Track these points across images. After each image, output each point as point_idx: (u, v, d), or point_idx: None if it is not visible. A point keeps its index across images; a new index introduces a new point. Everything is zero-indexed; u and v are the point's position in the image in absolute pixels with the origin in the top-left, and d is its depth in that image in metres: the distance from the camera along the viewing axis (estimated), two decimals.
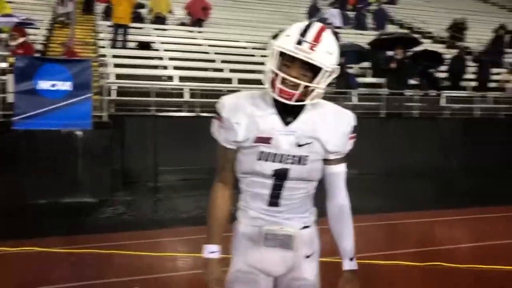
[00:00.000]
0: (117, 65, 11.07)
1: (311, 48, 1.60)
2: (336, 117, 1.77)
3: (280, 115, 1.72)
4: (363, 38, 15.25)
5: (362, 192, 8.72)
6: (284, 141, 1.70)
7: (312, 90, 1.64)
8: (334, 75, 1.66)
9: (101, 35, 12.86)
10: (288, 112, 1.71)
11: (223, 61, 12.15)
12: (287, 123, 1.71)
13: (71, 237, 5.65)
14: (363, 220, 6.91)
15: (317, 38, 1.61)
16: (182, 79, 11.06)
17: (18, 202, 7.10)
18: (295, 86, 1.62)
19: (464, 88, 13.07)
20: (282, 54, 1.63)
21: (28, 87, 7.36)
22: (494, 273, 4.95)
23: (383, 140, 10.31)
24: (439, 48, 16.47)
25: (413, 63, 11.82)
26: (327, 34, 1.65)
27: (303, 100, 1.66)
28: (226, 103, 1.75)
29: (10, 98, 7.57)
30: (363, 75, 13.13)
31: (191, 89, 10.15)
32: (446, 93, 11.66)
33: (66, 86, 7.50)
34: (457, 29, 17.52)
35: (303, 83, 1.61)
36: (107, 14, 13.62)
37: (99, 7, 14.35)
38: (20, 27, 9.46)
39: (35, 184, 7.31)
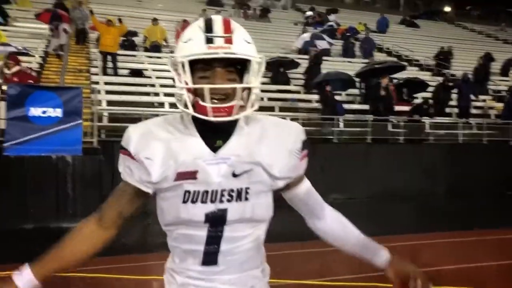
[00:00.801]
0: (109, 92, 11.32)
1: (227, 42, 1.28)
2: (279, 132, 1.40)
3: (204, 139, 1.34)
4: (352, 66, 15.67)
5: (347, 217, 8.87)
6: (214, 172, 1.31)
7: (248, 95, 1.31)
8: (263, 68, 1.33)
9: (94, 63, 13.16)
10: (215, 134, 1.34)
11: None
12: (215, 148, 1.33)
13: None
14: None
15: (227, 29, 1.30)
16: (172, 105, 11.30)
17: (7, 226, 7.20)
18: (228, 97, 1.28)
19: (449, 115, 13.41)
20: (191, 65, 1.28)
21: (20, 114, 7.55)
22: None
23: (369, 165, 10.52)
24: (425, 75, 16.93)
25: (398, 91, 12.18)
26: (235, 23, 1.34)
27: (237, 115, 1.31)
28: (132, 134, 1.35)
29: (2, 124, 7.74)
30: (352, 102, 13.45)
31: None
32: (430, 120, 11.94)
33: (57, 113, 7.70)
34: (444, 57, 18.02)
35: (240, 86, 1.29)
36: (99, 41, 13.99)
37: (93, 35, 14.71)
38: (15, 56, 9.70)
39: (25, 209, 7.43)
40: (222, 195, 1.33)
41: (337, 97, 12.33)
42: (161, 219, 1.42)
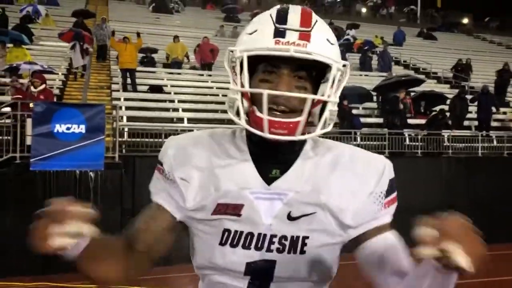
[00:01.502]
0: (128, 108, 11.58)
1: (303, 38, 0.98)
2: (358, 166, 1.07)
3: (257, 165, 1.06)
4: (369, 80, 15.71)
5: None
6: (265, 210, 1.03)
7: (321, 112, 1.01)
8: (346, 79, 1.04)
9: (115, 79, 13.49)
10: (271, 159, 1.06)
11: None
12: (269, 179, 1.05)
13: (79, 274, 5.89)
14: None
15: (306, 22, 1.00)
16: (191, 120, 11.50)
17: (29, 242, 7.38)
18: (294, 111, 0.99)
19: (468, 128, 13.32)
20: (253, 64, 1.01)
21: (45, 130, 7.80)
22: None
23: None
24: (444, 88, 16.87)
25: (414, 104, 12.20)
26: (318, 18, 1.04)
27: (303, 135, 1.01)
28: (169, 148, 1.13)
29: (28, 140, 7.99)
30: (369, 116, 13.48)
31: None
32: (448, 133, 11.88)
33: (80, 129, 7.93)
34: (461, 69, 17.94)
35: (312, 96, 0.99)
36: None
37: (114, 53, 15.08)
38: (41, 74, 10.04)
39: None
40: (271, 242, 1.03)
41: (354, 111, 12.37)
42: (193, 260, 1.13)
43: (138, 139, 9.94)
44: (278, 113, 0.99)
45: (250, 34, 1.03)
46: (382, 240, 1.09)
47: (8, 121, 8.22)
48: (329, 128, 1.02)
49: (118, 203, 8.24)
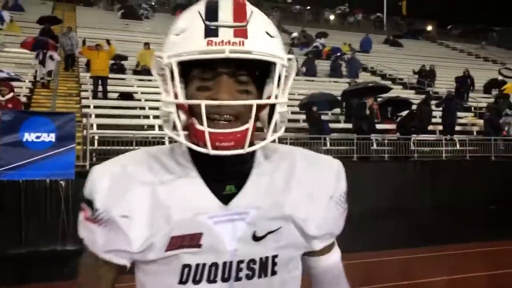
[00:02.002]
0: (98, 115, 11.48)
1: (239, 34, 0.85)
2: (315, 170, 1.00)
3: (208, 183, 0.93)
4: (338, 86, 16.05)
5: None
6: (227, 235, 0.92)
7: (270, 117, 0.90)
8: (293, 75, 0.92)
9: (84, 87, 13.34)
10: (223, 175, 0.93)
11: None
12: (225, 197, 0.93)
13: (52, 284, 5.85)
14: None
15: (240, 15, 0.87)
16: (162, 127, 11.47)
17: (2, 250, 7.28)
18: (239, 117, 0.87)
19: (433, 132, 13.79)
20: (187, 69, 0.89)
21: (14, 139, 7.69)
22: None
23: (355, 183, 10.76)
24: (409, 94, 17.38)
25: (377, 110, 12.58)
26: (254, 8, 0.91)
27: (252, 144, 0.89)
28: (98, 180, 0.93)
29: None
30: (337, 121, 13.78)
31: (170, 138, 10.53)
32: (414, 137, 12.28)
33: (50, 137, 7.85)
34: (425, 75, 18.53)
35: (256, 102, 0.86)
36: (89, 66, 14.17)
37: (83, 60, 14.90)
38: (8, 82, 9.87)
39: (19, 233, 7.53)
40: (238, 269, 0.92)
41: (323, 117, 12.64)
42: None
43: (109, 147, 9.87)
44: (222, 123, 0.86)
45: (178, 35, 0.88)
46: (325, 260, 1.07)
47: None
48: (281, 132, 0.91)
49: None
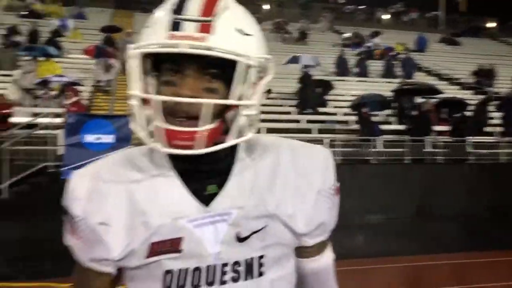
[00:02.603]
0: None
1: (203, 30, 0.83)
2: (300, 162, 0.95)
3: (188, 183, 0.91)
4: (391, 86, 15.76)
5: (388, 236, 9.00)
6: (209, 238, 0.89)
7: (238, 114, 0.86)
8: (268, 77, 0.88)
9: None
10: (202, 174, 0.91)
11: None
12: (205, 198, 0.90)
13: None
14: (386, 262, 7.22)
15: (207, 9, 0.84)
16: None
17: (64, 245, 7.78)
18: (206, 113, 0.83)
19: (491, 134, 13.24)
20: (159, 62, 0.87)
21: (76, 141, 8.19)
22: None
23: (408, 185, 10.57)
24: (466, 94, 16.77)
25: (435, 111, 12.24)
26: (230, 3, 0.88)
27: (222, 142, 0.86)
28: (76, 187, 0.93)
29: (60, 150, 8.41)
30: (388, 122, 13.54)
31: None
32: (470, 139, 11.86)
33: (109, 139, 8.30)
34: (484, 75, 17.79)
35: (211, 101, 0.83)
36: None
37: None
38: (74, 87, 10.53)
39: None
40: (223, 272, 0.89)
41: (373, 118, 12.47)
42: None
43: None
44: (183, 120, 0.84)
45: (147, 27, 0.87)
46: (319, 261, 1.01)
47: (42, 132, 8.64)
48: (248, 136, 0.86)
49: None
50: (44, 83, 12.18)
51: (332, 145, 10.92)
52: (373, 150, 10.98)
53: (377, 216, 10.11)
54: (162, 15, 0.85)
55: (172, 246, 0.88)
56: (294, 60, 15.37)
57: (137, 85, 0.84)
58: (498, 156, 11.91)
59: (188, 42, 0.81)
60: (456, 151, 11.53)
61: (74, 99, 9.72)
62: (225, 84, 0.85)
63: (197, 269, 0.88)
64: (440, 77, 19.36)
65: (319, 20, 26.89)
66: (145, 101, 0.84)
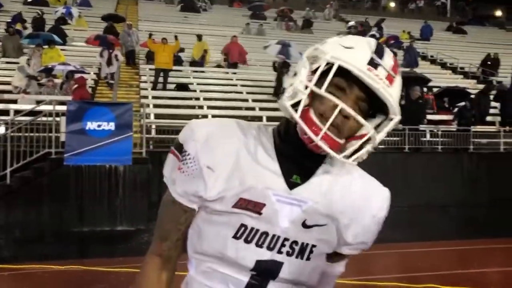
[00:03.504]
0: (156, 106, 12.08)
1: (389, 79, 1.03)
2: (367, 189, 1.15)
3: (281, 166, 1.08)
4: None
5: (388, 225, 9.11)
6: (284, 214, 1.06)
7: (365, 142, 1.05)
8: (392, 127, 1.08)
9: (143, 78, 14.03)
10: (294, 165, 1.09)
11: (254, 100, 12.95)
12: (290, 184, 1.08)
13: (109, 260, 6.39)
14: (383, 248, 7.34)
15: (395, 68, 1.05)
16: (216, 117, 11.87)
17: (66, 228, 8.02)
18: (339, 131, 1.02)
19: (492, 123, 13.26)
20: (328, 72, 1.02)
21: (78, 128, 8.35)
22: None
23: (407, 174, 10.66)
24: (470, 83, 16.73)
25: (433, 101, 12.21)
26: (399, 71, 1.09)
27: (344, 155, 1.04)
28: (196, 130, 1.08)
29: (63, 137, 8.58)
30: None
31: None
32: (468, 128, 11.89)
33: (110, 126, 8.45)
34: (491, 64, 17.71)
35: (370, 127, 1.03)
36: (149, 58, 14.83)
37: (143, 52, 15.63)
38: (81, 76, 10.66)
39: (81, 213, 8.23)
40: (282, 244, 1.06)
41: None
42: (193, 243, 1.11)
43: (165, 136, 10.42)
44: (329, 126, 1.00)
45: (346, 48, 1.03)
46: (338, 267, 1.19)
47: (44, 119, 8.81)
48: (355, 163, 1.06)
49: (145, 196, 8.73)
50: (49, 71, 12.35)
51: None
52: None
53: None
54: (363, 47, 1.04)
55: (255, 207, 1.04)
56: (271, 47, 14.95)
57: (324, 87, 1.00)
58: (498, 146, 11.96)
59: (382, 82, 1.01)
60: (458, 141, 11.59)
61: (75, 86, 9.85)
62: (364, 115, 1.04)
63: (265, 233, 1.05)
64: (444, 66, 19.31)
65: (325, 8, 26.76)
66: (311, 94, 1.02)
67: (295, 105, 1.01)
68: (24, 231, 7.73)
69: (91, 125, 8.38)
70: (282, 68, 12.94)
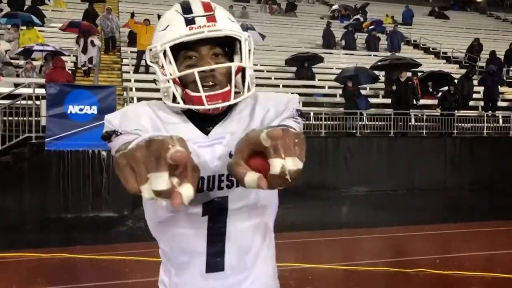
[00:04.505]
0: (139, 89, 11.84)
1: (210, 20, 1.14)
2: (272, 100, 1.24)
3: (196, 125, 1.19)
4: (376, 60, 15.75)
5: (371, 208, 9.15)
6: (209, 155, 1.15)
7: (242, 79, 1.17)
8: (252, 48, 1.19)
9: (125, 61, 13.72)
10: (205, 121, 1.19)
11: None
12: (207, 132, 1.19)
13: (94, 247, 6.26)
14: (369, 233, 7.36)
15: (208, 8, 1.17)
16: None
17: (49, 215, 7.82)
18: (218, 83, 1.14)
19: (475, 108, 13.39)
20: (173, 54, 1.14)
21: (59, 112, 8.11)
22: (474, 279, 5.34)
23: (392, 158, 10.70)
24: (453, 68, 16.84)
25: (417, 85, 12.24)
26: (215, 4, 1.21)
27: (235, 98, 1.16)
28: (115, 115, 1.18)
29: (43, 121, 8.32)
30: (376, 96, 13.59)
31: None
32: (454, 113, 11.98)
33: (92, 110, 8.22)
34: (473, 49, 17.85)
35: (234, 64, 1.15)
36: (131, 40, 14.46)
37: (124, 35, 15.24)
38: (60, 58, 10.30)
39: (64, 199, 8.03)
40: (220, 180, 1.15)
41: (362, 92, 12.46)
42: (151, 218, 1.21)
43: None
44: (207, 88, 1.13)
45: (164, 30, 1.16)
46: None
47: (24, 102, 8.53)
48: (253, 90, 1.18)
49: None
50: (27, 53, 11.96)
51: (317, 118, 10.97)
52: (360, 123, 11.05)
53: (361, 188, 10.27)
54: (174, 18, 1.16)
55: None
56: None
57: (172, 69, 1.14)
58: (481, 130, 12.09)
59: (207, 29, 1.13)
60: (442, 125, 11.67)
61: (58, 67, 9.52)
62: (225, 58, 1.18)
63: (200, 178, 1.09)
64: (427, 50, 19.38)
65: None
66: (174, 82, 1.15)
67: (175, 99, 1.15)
68: (4, 218, 7.50)
69: (72, 109, 8.13)
70: None
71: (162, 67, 1.15)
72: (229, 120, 1.20)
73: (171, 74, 1.14)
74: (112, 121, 1.15)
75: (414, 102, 11.74)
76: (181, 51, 1.16)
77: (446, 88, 12.74)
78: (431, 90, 13.61)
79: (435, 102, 12.77)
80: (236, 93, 1.15)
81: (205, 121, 1.19)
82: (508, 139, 12.07)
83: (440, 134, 11.66)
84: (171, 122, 1.18)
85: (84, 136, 8.09)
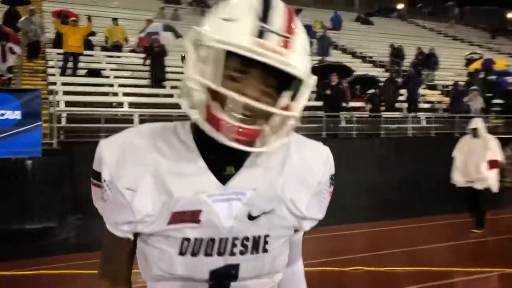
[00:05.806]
0: (66, 93, 11.30)
1: (285, 45, 0.90)
2: (306, 155, 1.07)
3: (209, 163, 0.98)
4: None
5: None
6: (224, 213, 0.97)
7: (283, 122, 0.95)
8: (309, 92, 0.98)
9: (50, 63, 13.04)
10: (223, 156, 0.98)
11: (172, 87, 12.59)
12: (223, 178, 0.99)
13: (20, 262, 5.87)
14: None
15: (289, 26, 0.92)
16: (132, 105, 11.40)
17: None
18: (255, 116, 0.92)
19: (400, 109, 14.10)
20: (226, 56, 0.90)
21: None
22: (405, 274, 5.62)
23: None
24: (379, 72, 17.64)
25: (347, 89, 12.75)
26: (297, 21, 0.96)
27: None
28: (105, 153, 0.98)
29: None
30: (308, 99, 13.90)
31: (140, 115, 10.42)
32: (381, 115, 12.55)
33: (15, 115, 7.73)
34: (396, 54, 18.82)
35: (285, 113, 0.93)
36: (56, 42, 13.69)
37: (50, 35, 14.47)
38: None
39: None
40: (233, 245, 0.98)
41: None
42: (143, 268, 1.04)
43: (77, 125, 9.77)
44: (240, 117, 0.90)
45: (226, 20, 0.90)
46: (300, 234, 1.15)
47: None
48: (287, 140, 0.97)
49: (57, 190, 8.11)
50: None
51: None
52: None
53: None
54: (244, 14, 0.90)
55: (192, 216, 0.95)
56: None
57: (214, 75, 0.89)
58: (406, 131, 12.75)
59: (275, 55, 0.88)
60: (371, 126, 12.16)
61: None
62: (276, 91, 0.94)
63: (211, 240, 0.97)
64: (354, 55, 20.15)
65: None
66: (208, 89, 0.90)
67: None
68: None
69: None
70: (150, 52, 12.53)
71: (201, 61, 0.91)
72: (254, 166, 1.00)
73: (208, 79, 0.89)
74: (105, 159, 0.97)
75: (344, 105, 12.19)
76: (232, 56, 0.89)
77: (372, 90, 13.33)
78: (359, 93, 14.16)
79: (363, 104, 13.30)
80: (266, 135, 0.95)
81: (222, 155, 0.97)
82: (431, 138, 12.83)
83: (369, 135, 12.15)
84: (179, 163, 0.96)
85: (7, 143, 7.60)
